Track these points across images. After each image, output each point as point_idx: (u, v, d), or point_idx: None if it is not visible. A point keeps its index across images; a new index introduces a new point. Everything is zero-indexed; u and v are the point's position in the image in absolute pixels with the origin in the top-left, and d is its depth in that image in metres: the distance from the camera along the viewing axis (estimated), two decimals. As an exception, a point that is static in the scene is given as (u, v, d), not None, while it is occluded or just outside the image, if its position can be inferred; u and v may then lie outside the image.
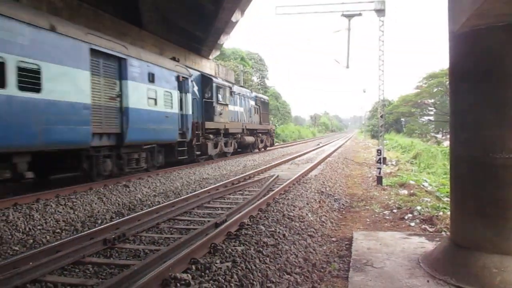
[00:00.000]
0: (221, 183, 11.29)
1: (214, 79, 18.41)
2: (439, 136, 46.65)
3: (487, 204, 4.17)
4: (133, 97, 11.48)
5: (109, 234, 5.95)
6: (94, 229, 6.25)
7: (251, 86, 46.08)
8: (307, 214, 7.47)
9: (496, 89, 4.12)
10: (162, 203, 8.81)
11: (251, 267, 4.61)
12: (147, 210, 7.64)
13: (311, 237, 6.20)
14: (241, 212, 7.08)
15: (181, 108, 14.32)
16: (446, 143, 29.90)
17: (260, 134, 25.79)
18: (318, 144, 37.64)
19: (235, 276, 4.32)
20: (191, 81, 15.38)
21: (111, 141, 11.05)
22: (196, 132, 16.02)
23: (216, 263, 4.67)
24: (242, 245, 5.43)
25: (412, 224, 7.33)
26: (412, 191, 10.43)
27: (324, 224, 7.27)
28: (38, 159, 9.04)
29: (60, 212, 7.95)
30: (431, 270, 4.44)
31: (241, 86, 24.26)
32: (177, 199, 8.91)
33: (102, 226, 6.46)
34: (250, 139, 23.11)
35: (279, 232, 6.05)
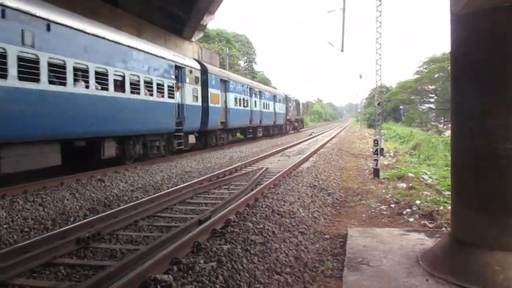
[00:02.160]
0: (205, 176, 11.29)
1: (288, 95, 41.65)
2: (440, 125, 47.13)
3: (490, 198, 4.23)
4: (277, 108, 35.32)
5: (83, 232, 5.91)
6: (66, 228, 6.20)
7: (238, 71, 45.91)
8: (298, 210, 7.52)
9: (501, 74, 4.14)
10: (141, 198, 8.78)
11: (238, 267, 4.64)
12: (124, 207, 7.61)
13: (302, 234, 6.25)
14: (227, 208, 7.09)
15: (283, 110, 37.35)
16: (448, 133, 30.24)
17: (298, 121, 49.22)
18: (311, 134, 37.73)
19: (220, 277, 4.34)
20: (286, 98, 39.01)
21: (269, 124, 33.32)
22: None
23: (200, 263, 4.68)
24: (228, 243, 5.45)
25: (411, 219, 7.43)
26: (411, 184, 10.54)
27: (316, 220, 7.32)
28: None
29: (28, 209, 7.87)
30: (431, 268, 4.51)
31: (288, 95, 43.17)
32: (157, 194, 8.89)
33: (75, 224, 6.41)
34: (296, 124, 46.69)
35: (268, 229, 6.08)
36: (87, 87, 11.25)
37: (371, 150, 15.12)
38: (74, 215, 7.61)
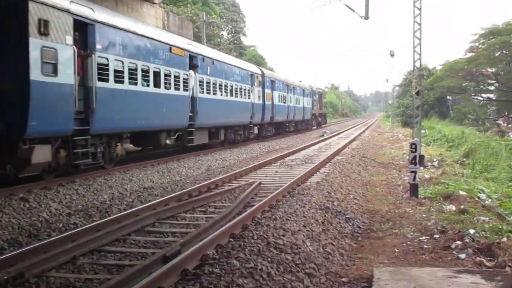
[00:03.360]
0: (173, 194, 11.28)
1: (314, 88, 57.83)
2: (504, 123, 47.37)
3: None
4: (305, 102, 49.22)
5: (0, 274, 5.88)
6: (-26, 267, 6.17)
7: (219, 46, 45.91)
8: (304, 242, 7.53)
9: None
10: (81, 226, 8.73)
11: (219, 323, 4.64)
12: (57, 237, 7.57)
13: (310, 276, 6.25)
14: (204, 240, 7.08)
15: (310, 104, 52.07)
16: (514, 134, 30.43)
17: (322, 116, 61.46)
18: (322, 135, 37.84)
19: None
20: (311, 91, 53.93)
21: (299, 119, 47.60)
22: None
23: (165, 318, 4.68)
24: (205, 289, 5.45)
25: (462, 255, 7.46)
26: (462, 207, 10.60)
27: (330, 257, 7.34)
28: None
29: None
30: (489, 324, 4.53)
31: (312, 87, 57.93)
32: (105, 219, 8.85)
33: (-14, 263, 6.38)
34: (319, 119, 58.57)
35: (261, 270, 6.08)
36: (225, 95, 25.48)
37: (407, 158, 15.17)
38: (-15, 250, 7.56)
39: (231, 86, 26.54)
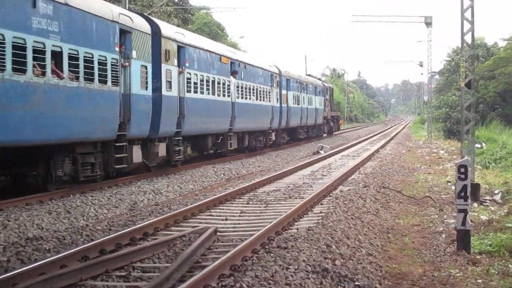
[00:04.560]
0: (74, 249, 11.15)
1: (326, 84, 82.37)
2: None
3: None
4: (317, 103, 70.78)
5: None
6: None
7: (150, 7, 46.04)
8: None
9: None
10: None
11: None
12: None
13: None
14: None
15: (322, 105, 73.18)
16: None
17: (334, 120, 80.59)
18: (319, 152, 38.18)
19: None
20: (323, 88, 76.49)
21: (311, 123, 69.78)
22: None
23: None
24: None
25: None
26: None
27: None
28: None
29: None
30: None
31: (324, 82, 77.93)
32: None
33: None
34: (331, 123, 77.63)
35: None
36: (254, 99, 41.95)
37: (453, 188, 15.24)
38: None
39: (256, 89, 40.96)
